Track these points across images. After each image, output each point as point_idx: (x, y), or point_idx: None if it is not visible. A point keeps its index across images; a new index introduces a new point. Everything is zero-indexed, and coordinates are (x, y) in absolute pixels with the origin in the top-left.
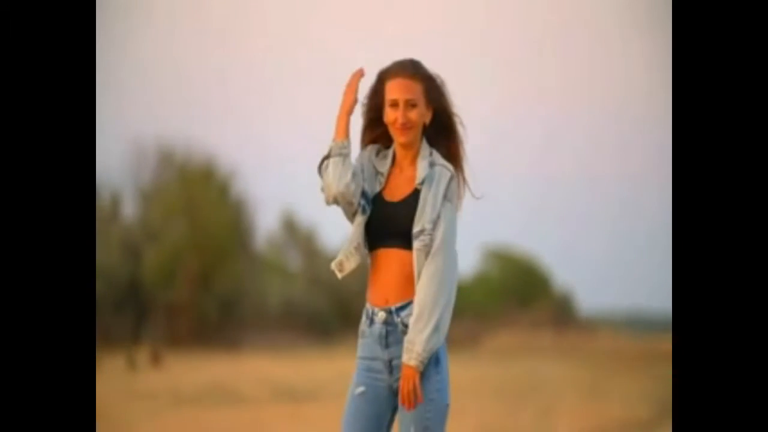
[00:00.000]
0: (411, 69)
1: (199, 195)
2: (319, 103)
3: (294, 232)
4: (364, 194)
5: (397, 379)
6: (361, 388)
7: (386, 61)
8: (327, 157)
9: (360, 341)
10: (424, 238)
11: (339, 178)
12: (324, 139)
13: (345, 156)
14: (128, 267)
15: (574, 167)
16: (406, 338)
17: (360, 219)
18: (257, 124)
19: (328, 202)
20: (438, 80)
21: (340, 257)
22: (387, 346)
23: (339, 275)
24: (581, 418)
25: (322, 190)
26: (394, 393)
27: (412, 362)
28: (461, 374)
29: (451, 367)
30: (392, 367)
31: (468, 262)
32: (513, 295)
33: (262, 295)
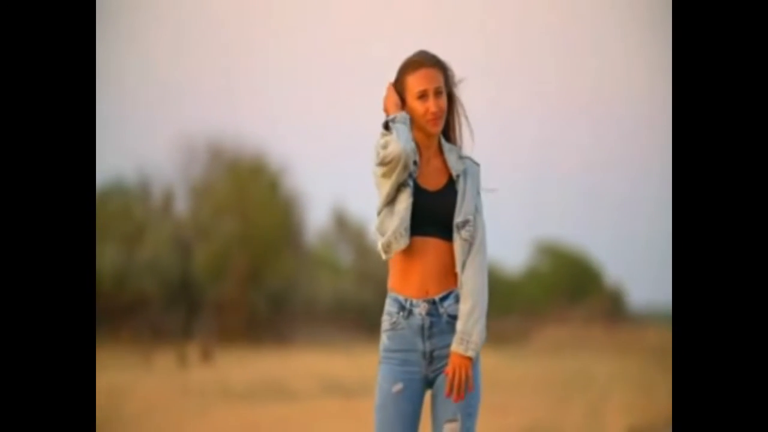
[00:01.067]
0: (432, 59)
1: (250, 191)
2: (369, 99)
3: (344, 227)
4: (410, 175)
5: (436, 370)
6: (399, 385)
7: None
8: (393, 122)
9: (389, 334)
10: (469, 228)
11: (408, 139)
12: (373, 135)
13: (408, 127)
14: (179, 263)
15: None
16: (460, 329)
17: (409, 201)
18: (307, 120)
19: (385, 160)
20: (451, 69)
21: (388, 238)
22: (430, 337)
23: (384, 256)
24: (631, 414)
25: (384, 147)
26: (429, 383)
27: (470, 353)
28: (511, 369)
29: (501, 362)
30: (433, 357)
31: (519, 257)
32: (564, 291)
33: (312, 291)
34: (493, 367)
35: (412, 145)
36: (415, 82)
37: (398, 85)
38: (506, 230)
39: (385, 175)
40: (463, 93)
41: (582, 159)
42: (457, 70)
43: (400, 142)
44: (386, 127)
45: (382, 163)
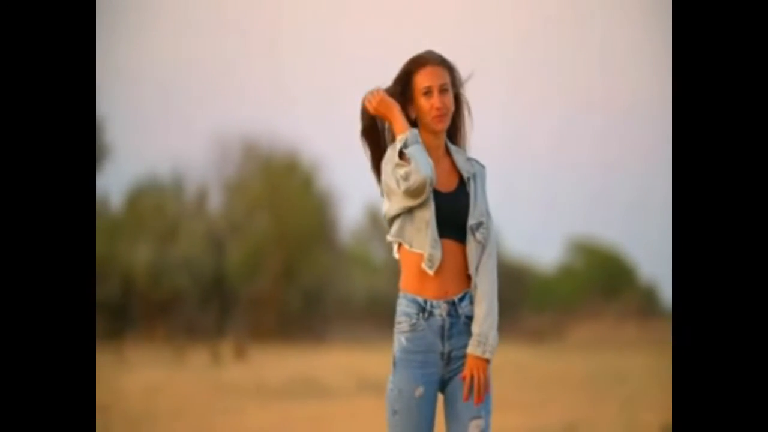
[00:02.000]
0: (438, 57)
1: (284, 188)
2: None
3: (378, 225)
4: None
5: (452, 370)
6: (420, 389)
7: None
8: (405, 147)
9: (409, 335)
10: (483, 231)
11: (427, 163)
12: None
13: (420, 143)
14: (213, 261)
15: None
16: (478, 332)
17: (433, 208)
18: (341, 117)
19: (409, 190)
20: (457, 71)
21: (429, 251)
22: (449, 338)
23: (431, 272)
24: (666, 411)
25: (405, 178)
26: (444, 384)
27: (488, 355)
28: (546, 367)
29: (536, 359)
30: (450, 358)
31: (552, 254)
32: (598, 287)
33: (346, 288)
34: (528, 364)
35: (432, 163)
36: (420, 79)
37: (402, 85)
38: (539, 227)
39: (408, 200)
40: (479, 90)
41: (610, 155)
42: (478, 69)
43: (421, 171)
44: (400, 154)
45: (406, 193)
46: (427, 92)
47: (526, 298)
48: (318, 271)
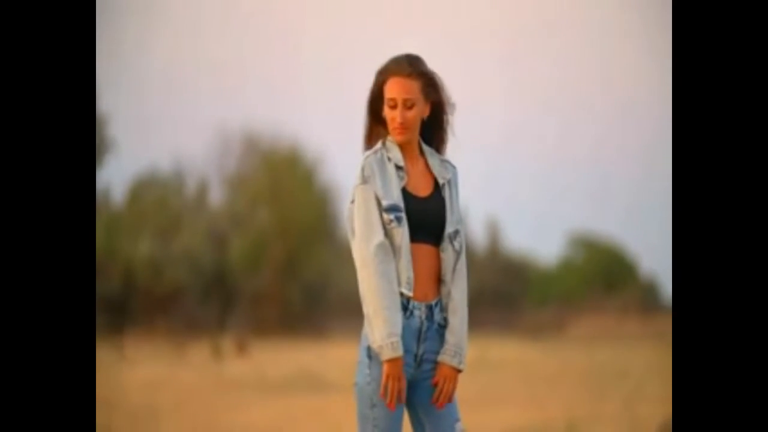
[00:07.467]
0: (407, 68)
1: (285, 182)
2: None
3: None
4: (394, 208)
5: (422, 373)
6: None
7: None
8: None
9: None
10: (459, 239)
11: (394, 275)
12: None
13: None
14: (214, 255)
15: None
16: (453, 342)
17: (407, 239)
18: (343, 112)
19: None
20: (435, 76)
21: (407, 274)
22: (423, 340)
23: (410, 293)
24: (667, 405)
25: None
26: (412, 387)
27: (462, 366)
28: (546, 361)
29: (537, 353)
30: (422, 361)
31: (553, 248)
32: (599, 282)
33: (348, 283)
34: (529, 359)
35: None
36: (387, 89)
37: (379, 82)
38: (540, 222)
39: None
40: (482, 89)
41: (611, 151)
42: (482, 69)
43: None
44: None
45: None
46: (392, 105)
47: (527, 293)
48: (319, 266)
